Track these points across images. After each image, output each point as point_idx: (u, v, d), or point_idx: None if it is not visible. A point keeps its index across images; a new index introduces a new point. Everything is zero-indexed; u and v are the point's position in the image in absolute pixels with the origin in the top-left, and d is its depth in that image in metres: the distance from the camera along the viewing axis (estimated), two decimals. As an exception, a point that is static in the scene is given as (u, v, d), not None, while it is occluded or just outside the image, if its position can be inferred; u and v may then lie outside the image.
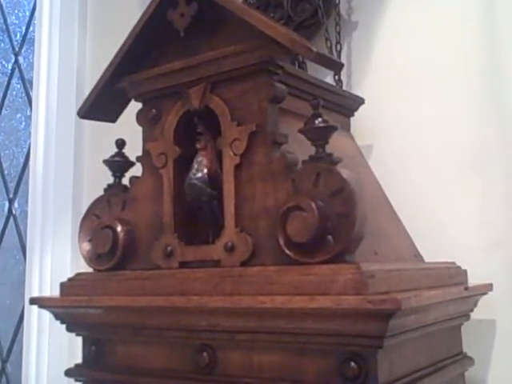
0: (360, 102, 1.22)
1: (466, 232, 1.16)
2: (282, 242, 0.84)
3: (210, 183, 0.95)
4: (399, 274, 0.84)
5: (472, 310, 1.05)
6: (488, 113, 1.18)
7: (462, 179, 1.18)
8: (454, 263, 1.06)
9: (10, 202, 2.24)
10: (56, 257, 1.80)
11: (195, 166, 0.96)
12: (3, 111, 2.35)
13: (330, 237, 0.81)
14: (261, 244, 0.88)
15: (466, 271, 1.06)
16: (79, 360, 1.06)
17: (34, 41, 2.03)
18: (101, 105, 1.10)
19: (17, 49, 2.30)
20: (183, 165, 0.99)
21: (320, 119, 0.86)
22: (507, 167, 1.15)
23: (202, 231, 0.99)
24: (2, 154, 2.33)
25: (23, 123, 2.30)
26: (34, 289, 1.82)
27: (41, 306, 1.08)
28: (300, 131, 0.87)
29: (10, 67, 2.33)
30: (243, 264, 0.89)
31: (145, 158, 1.04)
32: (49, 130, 1.87)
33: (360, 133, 1.23)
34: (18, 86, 2.31)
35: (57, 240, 1.81)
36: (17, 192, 2.22)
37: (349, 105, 1.20)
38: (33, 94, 1.97)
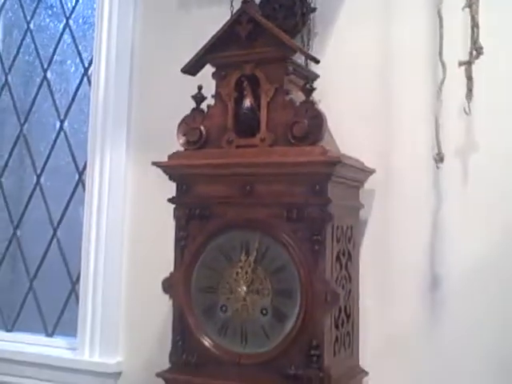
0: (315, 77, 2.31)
1: None
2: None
3: (252, 111, 2.04)
4: None
5: None
6: None
7: None
8: None
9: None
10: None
11: (245, 101, 2.04)
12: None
13: (309, 136, 1.94)
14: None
15: None
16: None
17: None
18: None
19: None
20: (239, 100, 2.06)
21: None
22: None
23: (247, 131, 2.08)
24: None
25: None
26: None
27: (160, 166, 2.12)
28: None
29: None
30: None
31: (217, 95, 2.10)
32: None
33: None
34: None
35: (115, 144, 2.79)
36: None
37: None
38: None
